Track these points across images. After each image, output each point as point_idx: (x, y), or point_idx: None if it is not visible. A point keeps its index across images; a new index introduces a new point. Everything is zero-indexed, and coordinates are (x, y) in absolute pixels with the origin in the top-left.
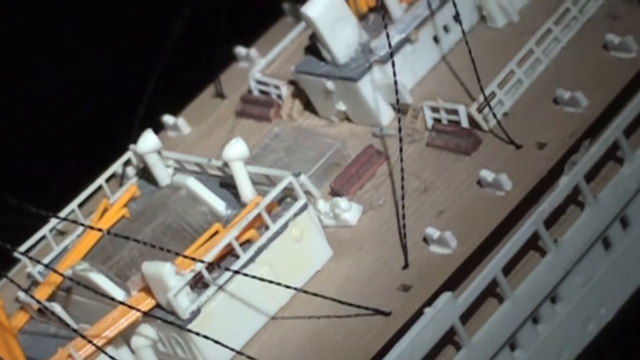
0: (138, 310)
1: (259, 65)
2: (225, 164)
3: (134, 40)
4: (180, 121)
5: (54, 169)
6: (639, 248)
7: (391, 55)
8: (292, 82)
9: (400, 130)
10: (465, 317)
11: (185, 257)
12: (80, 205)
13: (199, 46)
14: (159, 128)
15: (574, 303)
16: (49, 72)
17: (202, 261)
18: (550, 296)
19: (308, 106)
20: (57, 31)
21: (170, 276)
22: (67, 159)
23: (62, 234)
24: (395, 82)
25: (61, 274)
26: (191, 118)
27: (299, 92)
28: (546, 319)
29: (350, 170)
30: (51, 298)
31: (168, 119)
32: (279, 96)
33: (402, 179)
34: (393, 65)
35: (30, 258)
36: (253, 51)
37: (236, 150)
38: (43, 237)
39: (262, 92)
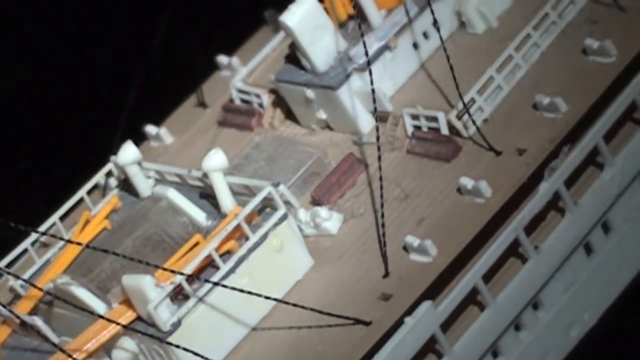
0: (118, 323)
1: (240, 74)
2: (205, 175)
3: (115, 50)
4: (163, 131)
5: (37, 180)
6: (621, 253)
7: (368, 63)
8: (273, 91)
9: (378, 139)
10: (446, 325)
11: (165, 269)
12: (63, 217)
13: (181, 55)
14: (142, 138)
15: (557, 309)
16: (33, 83)
17: (181, 273)
18: (532, 303)
19: (289, 115)
20: (38, 41)
21: (150, 289)
22: (51, 169)
23: (45, 245)
24: (373, 91)
25: (40, 289)
26: (173, 128)
27: (280, 101)
28: (528, 325)
29: (330, 179)
30: (34, 311)
31: (151, 129)
32: (261, 105)
33: (381, 187)
34: (370, 73)
35: (9, 273)
36: (235, 60)
37: (215, 161)
38: (25, 251)
39: (243, 101)
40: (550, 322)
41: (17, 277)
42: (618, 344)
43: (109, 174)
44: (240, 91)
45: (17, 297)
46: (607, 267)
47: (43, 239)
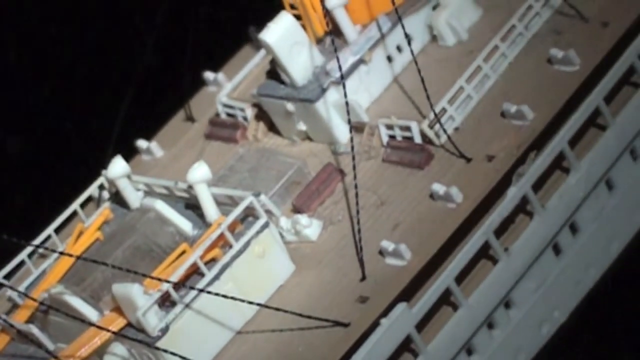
0: (109, 330)
1: (225, 89)
2: (190, 187)
3: (107, 67)
4: (153, 145)
5: (35, 193)
6: (589, 253)
7: (342, 77)
8: (256, 105)
9: (352, 149)
10: (421, 325)
11: (152, 277)
12: (59, 229)
13: (171, 72)
14: (134, 152)
15: (528, 308)
16: (33, 99)
17: (168, 281)
18: (504, 302)
19: (272, 127)
20: (31, 59)
21: (138, 296)
22: (46, 182)
23: (43, 256)
24: (347, 103)
25: (34, 299)
26: (163, 142)
27: (263, 114)
28: (501, 324)
29: (310, 188)
30: (31, 319)
31: (142, 143)
32: (245, 118)
33: (357, 195)
34: (344, 86)
35: (5, 285)
36: (220, 75)
37: (199, 173)
38: (22, 262)
39: (229, 114)
40: (521, 320)
41: (12, 288)
42: (587, 339)
43: (102, 187)
44: (226, 105)
45: (15, 306)
46: (575, 267)
47: (40, 249)
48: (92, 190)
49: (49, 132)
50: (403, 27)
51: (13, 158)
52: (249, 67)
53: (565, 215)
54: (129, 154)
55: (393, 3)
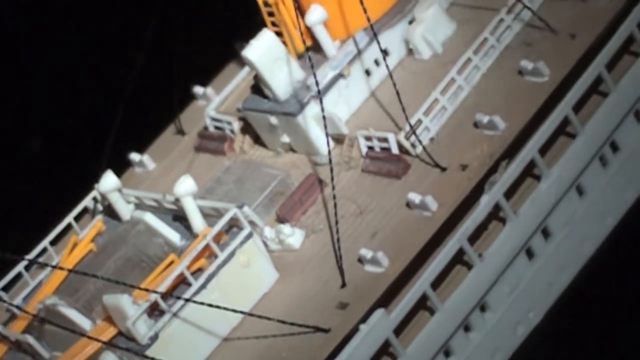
0: (99, 340)
1: (213, 103)
2: (177, 199)
3: (102, 82)
4: (146, 158)
5: (32, 206)
6: (561, 256)
7: (319, 92)
8: (242, 118)
9: (330, 161)
10: (399, 330)
11: (141, 288)
12: (54, 242)
13: (163, 87)
14: (128, 165)
15: (503, 310)
16: (31, 117)
17: (155, 292)
18: (479, 305)
19: (258, 139)
20: (30, 75)
21: (128, 306)
22: (45, 196)
23: (41, 266)
24: (324, 117)
25: (27, 312)
26: (155, 154)
27: (249, 127)
28: (477, 326)
29: (293, 198)
30: (28, 329)
31: (134, 156)
32: (232, 131)
33: (335, 205)
34: (321, 101)
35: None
36: (209, 90)
37: (185, 186)
38: (19, 274)
39: (217, 127)
40: (497, 322)
41: (5, 302)
42: (561, 339)
43: (95, 200)
44: (214, 119)
45: (13, 316)
46: (548, 270)
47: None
48: (85, 203)
49: (45, 145)
50: (379, 43)
51: (13, 168)
52: (235, 82)
53: (537, 220)
54: (123, 166)
55: (368, 20)
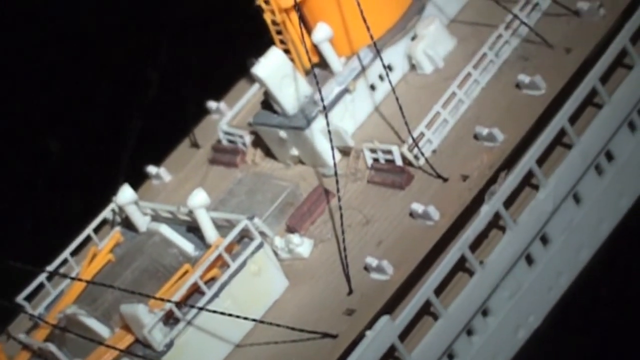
0: (115, 348)
1: (226, 117)
2: (191, 211)
3: (119, 99)
4: (162, 170)
5: (54, 218)
6: (559, 261)
7: (324, 108)
8: (253, 132)
9: (336, 173)
10: (405, 334)
11: (155, 298)
12: (74, 252)
13: (178, 102)
14: (145, 177)
15: (504, 314)
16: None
17: (170, 301)
18: (481, 310)
19: (268, 152)
20: (52, 90)
21: (144, 315)
22: (68, 209)
23: (63, 275)
24: (329, 131)
25: (46, 322)
26: (171, 167)
27: (259, 140)
28: (479, 330)
29: (302, 209)
30: (49, 337)
31: (151, 169)
32: (244, 144)
33: (341, 216)
34: (326, 116)
35: (24, 311)
36: (222, 104)
37: (198, 199)
38: (41, 284)
39: (229, 141)
40: (498, 326)
41: (26, 312)
42: (561, 342)
43: (114, 212)
44: (226, 133)
45: (36, 325)
46: (547, 275)
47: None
48: (104, 215)
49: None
50: (381, 59)
51: (34, 179)
52: (246, 97)
53: (536, 228)
54: (141, 178)
55: (372, 37)
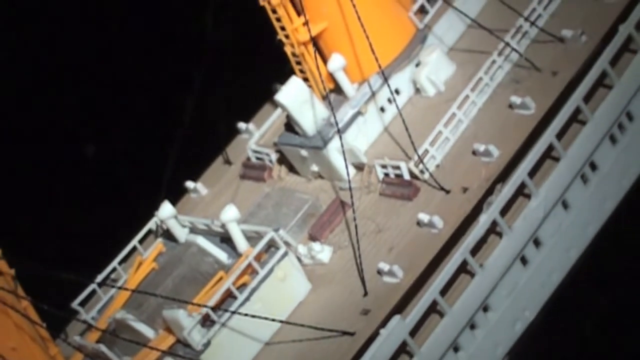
0: (158, 349)
1: (254, 137)
2: (224, 225)
3: (157, 124)
4: (199, 185)
5: (105, 230)
6: (551, 261)
7: (338, 130)
8: (278, 150)
9: (350, 188)
10: (414, 331)
11: (193, 304)
12: (122, 261)
13: (212, 124)
14: (184, 191)
15: (502, 310)
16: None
17: (206, 306)
18: (482, 307)
19: (292, 168)
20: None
21: (183, 319)
22: (116, 221)
23: (115, 280)
24: (344, 152)
25: (98, 328)
26: (207, 182)
27: (284, 158)
28: (481, 325)
29: (322, 219)
30: (101, 339)
31: (189, 184)
32: (270, 161)
33: (356, 226)
34: (340, 138)
35: (77, 319)
36: (251, 125)
37: (229, 214)
38: (94, 291)
39: (257, 158)
40: (498, 320)
41: (78, 319)
42: (553, 333)
43: (157, 225)
44: (255, 151)
45: (89, 327)
46: (540, 274)
47: (113, 275)
48: (148, 227)
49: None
50: (389, 85)
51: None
52: (272, 119)
53: (529, 233)
54: (180, 192)
55: (380, 66)
